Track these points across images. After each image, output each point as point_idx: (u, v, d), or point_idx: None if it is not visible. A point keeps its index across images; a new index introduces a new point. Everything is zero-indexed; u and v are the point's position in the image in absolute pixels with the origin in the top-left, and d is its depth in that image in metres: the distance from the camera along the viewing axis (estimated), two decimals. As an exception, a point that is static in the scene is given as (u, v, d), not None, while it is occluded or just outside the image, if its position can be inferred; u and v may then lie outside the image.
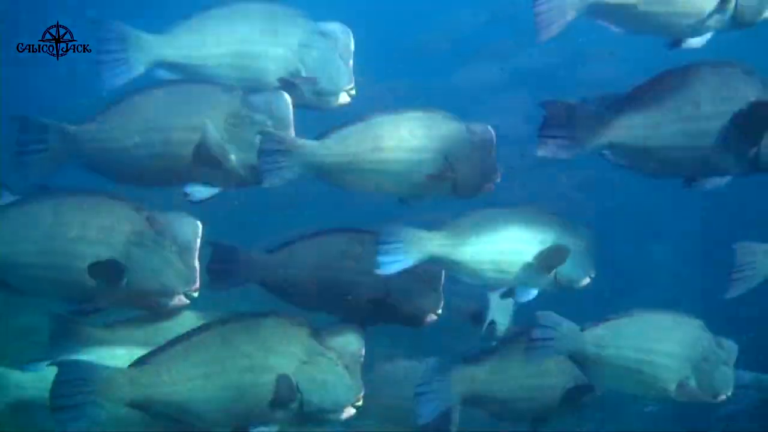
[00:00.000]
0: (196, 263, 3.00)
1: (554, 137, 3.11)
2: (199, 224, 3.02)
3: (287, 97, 3.22)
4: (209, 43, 3.31)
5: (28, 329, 6.42)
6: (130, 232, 2.94)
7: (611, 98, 9.12)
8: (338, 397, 2.82)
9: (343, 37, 3.41)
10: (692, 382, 3.29)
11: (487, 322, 4.44)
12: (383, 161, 3.23)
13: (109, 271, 2.90)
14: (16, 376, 2.93)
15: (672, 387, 3.30)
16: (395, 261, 3.18)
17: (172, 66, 3.34)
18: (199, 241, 3.00)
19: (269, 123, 3.17)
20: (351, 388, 2.84)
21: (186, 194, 3.24)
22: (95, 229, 2.93)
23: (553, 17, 3.07)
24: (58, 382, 2.62)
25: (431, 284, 3.46)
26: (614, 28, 3.21)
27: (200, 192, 3.23)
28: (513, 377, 3.53)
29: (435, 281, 3.46)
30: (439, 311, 3.50)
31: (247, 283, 3.47)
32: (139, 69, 3.29)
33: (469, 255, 3.31)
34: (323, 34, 3.39)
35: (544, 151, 3.11)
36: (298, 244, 3.47)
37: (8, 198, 3.19)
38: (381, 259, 3.16)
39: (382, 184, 3.29)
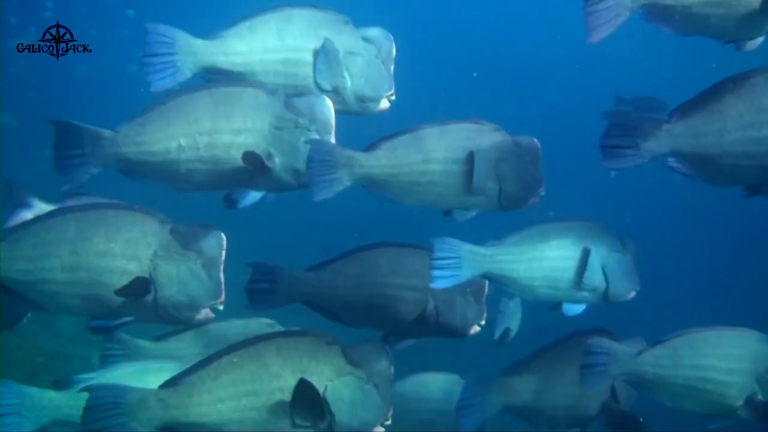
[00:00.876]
0: (222, 276, 2.94)
1: (617, 147, 3.06)
2: (224, 236, 2.96)
3: (329, 101, 3.18)
4: (258, 50, 3.26)
5: (48, 320, 6.42)
6: (156, 245, 2.88)
7: (645, 100, 8.95)
8: (367, 417, 2.78)
9: (385, 43, 3.38)
10: (759, 397, 3.17)
11: (502, 328, 4.53)
12: (432, 173, 3.22)
13: (136, 287, 2.84)
14: (50, 395, 2.91)
15: (739, 403, 3.20)
16: (450, 276, 3.20)
17: (220, 72, 3.28)
18: (224, 253, 2.95)
19: (312, 127, 3.13)
20: (380, 407, 2.80)
21: (229, 200, 3.20)
22: (121, 244, 2.86)
23: (606, 17, 2.99)
24: (89, 407, 2.58)
25: (475, 296, 3.43)
26: (667, 30, 3.11)
27: (244, 197, 3.18)
28: (552, 386, 3.52)
29: (478, 293, 3.44)
30: (483, 322, 3.49)
31: (290, 304, 3.42)
32: (186, 74, 3.24)
33: (522, 272, 3.33)
34: (367, 41, 3.36)
35: (608, 161, 3.07)
36: (342, 261, 3.43)
37: (40, 206, 3.15)
38: (436, 273, 3.18)
39: (430, 196, 3.27)
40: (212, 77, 3.27)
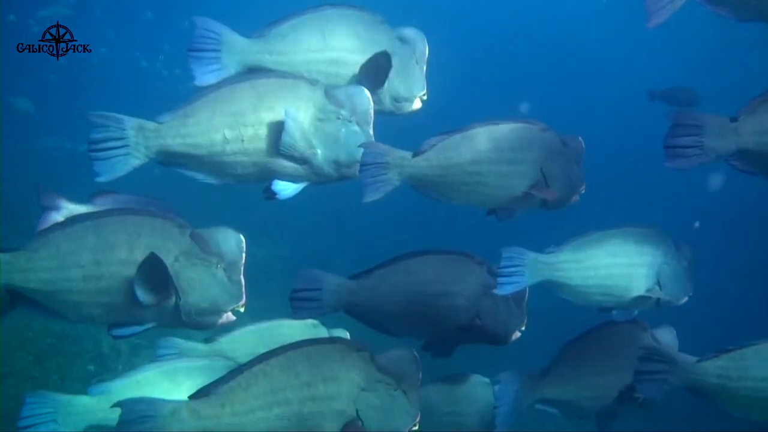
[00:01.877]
0: (242, 278, 2.92)
1: (681, 147, 3.00)
2: (243, 238, 2.93)
3: (368, 92, 3.14)
4: (302, 49, 3.25)
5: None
6: (177, 251, 2.83)
7: (677, 91, 8.86)
8: (395, 423, 2.78)
9: (419, 44, 3.38)
10: None
11: None
12: (480, 173, 3.20)
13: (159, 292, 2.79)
14: (84, 401, 2.94)
15: None
16: (513, 282, 3.27)
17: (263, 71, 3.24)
18: (244, 255, 2.92)
19: (353, 118, 3.10)
20: (408, 412, 2.80)
21: (270, 192, 3.14)
22: (142, 251, 2.78)
23: (664, 2, 2.89)
24: (122, 422, 2.54)
25: (516, 302, 3.40)
26: (725, 14, 2.98)
27: (286, 189, 3.13)
28: (584, 378, 3.52)
29: (519, 299, 3.41)
30: (523, 328, 3.46)
31: (334, 312, 3.35)
32: (231, 71, 3.22)
33: (580, 279, 3.39)
34: (402, 41, 3.36)
35: (672, 161, 3.01)
36: (387, 269, 3.36)
37: (69, 208, 3.10)
38: (501, 280, 3.26)
39: (477, 196, 3.25)
40: None
